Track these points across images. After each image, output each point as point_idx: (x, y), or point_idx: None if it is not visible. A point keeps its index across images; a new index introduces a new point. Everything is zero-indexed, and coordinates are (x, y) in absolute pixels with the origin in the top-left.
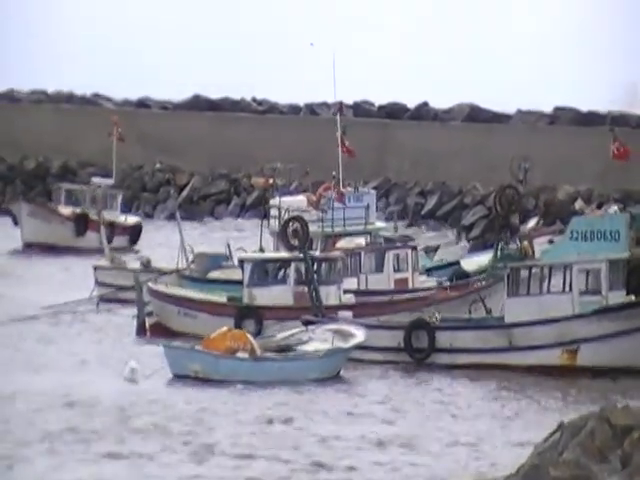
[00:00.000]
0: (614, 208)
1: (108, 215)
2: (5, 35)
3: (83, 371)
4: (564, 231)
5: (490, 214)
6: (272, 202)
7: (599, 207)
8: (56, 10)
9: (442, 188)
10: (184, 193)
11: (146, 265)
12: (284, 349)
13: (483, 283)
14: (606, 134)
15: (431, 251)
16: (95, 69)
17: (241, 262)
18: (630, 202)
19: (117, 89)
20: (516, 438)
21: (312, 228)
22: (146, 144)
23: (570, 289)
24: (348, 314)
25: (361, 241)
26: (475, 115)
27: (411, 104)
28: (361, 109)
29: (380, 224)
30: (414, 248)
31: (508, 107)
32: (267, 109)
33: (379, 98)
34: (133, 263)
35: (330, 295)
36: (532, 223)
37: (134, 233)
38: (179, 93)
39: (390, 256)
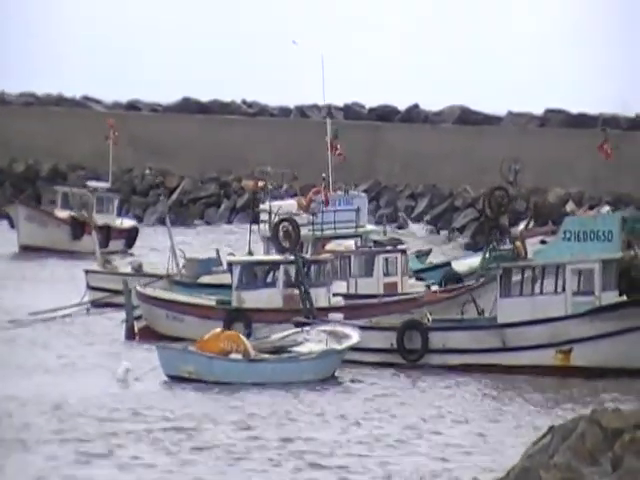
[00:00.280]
0: (607, 209)
1: (104, 219)
2: (5, 35)
3: (72, 374)
4: (557, 231)
5: (480, 216)
6: (262, 207)
7: (591, 209)
8: (56, 10)
9: (433, 191)
10: (174, 196)
11: (137, 270)
12: (278, 350)
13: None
14: (597, 135)
15: (423, 255)
16: (85, 71)
17: (230, 265)
18: (621, 205)
19: (107, 91)
20: (509, 440)
21: (303, 231)
22: (136, 147)
23: (563, 289)
24: (339, 316)
25: (350, 243)
26: (466, 117)
27: (402, 106)
28: (352, 111)
29: (370, 227)
30: (404, 252)
31: (499, 109)
32: (257, 111)
33: (370, 100)
34: (125, 267)
35: (320, 297)
36: (522, 227)
37: (130, 237)
38: (168, 96)
39: (380, 260)
